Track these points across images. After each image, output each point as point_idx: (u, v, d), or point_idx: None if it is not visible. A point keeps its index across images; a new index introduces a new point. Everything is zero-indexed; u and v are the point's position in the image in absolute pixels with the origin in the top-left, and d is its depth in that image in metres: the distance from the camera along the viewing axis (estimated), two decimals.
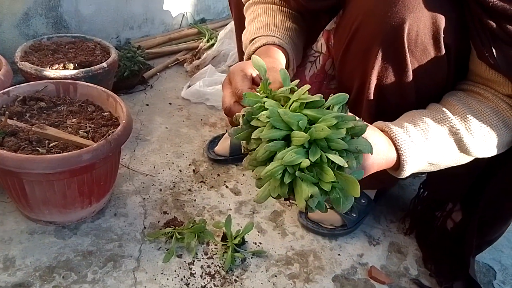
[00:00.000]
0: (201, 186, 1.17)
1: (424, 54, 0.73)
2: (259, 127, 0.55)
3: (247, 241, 1.02)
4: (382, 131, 0.72)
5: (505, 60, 0.69)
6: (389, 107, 0.81)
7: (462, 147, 0.75)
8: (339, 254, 1.03)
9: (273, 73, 0.65)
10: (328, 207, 0.56)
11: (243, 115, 0.57)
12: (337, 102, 0.56)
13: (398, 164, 0.71)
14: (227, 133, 1.29)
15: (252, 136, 0.55)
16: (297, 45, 0.86)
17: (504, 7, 0.65)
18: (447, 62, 0.76)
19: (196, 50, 1.78)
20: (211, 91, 1.53)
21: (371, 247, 1.07)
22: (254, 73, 0.67)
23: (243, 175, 1.23)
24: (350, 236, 1.07)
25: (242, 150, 0.59)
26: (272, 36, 0.81)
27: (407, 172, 0.72)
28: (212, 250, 0.98)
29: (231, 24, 1.75)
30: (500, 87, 0.74)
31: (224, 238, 1.00)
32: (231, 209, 1.11)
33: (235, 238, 0.98)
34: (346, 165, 0.51)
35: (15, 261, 0.89)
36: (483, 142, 0.75)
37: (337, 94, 0.57)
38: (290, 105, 0.57)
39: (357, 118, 0.57)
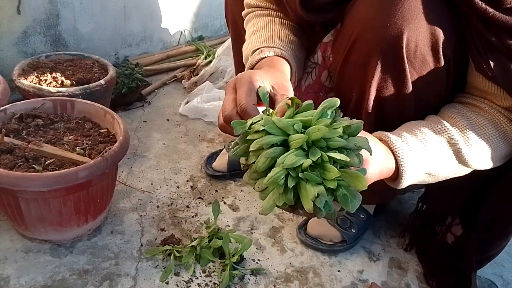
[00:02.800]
0: (199, 202, 1.16)
1: (423, 65, 0.73)
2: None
3: (245, 258, 1.00)
4: (380, 140, 0.72)
5: (503, 72, 0.69)
6: (388, 118, 0.80)
7: (460, 158, 0.74)
8: (339, 271, 1.01)
9: (280, 91, 0.65)
10: (337, 210, 0.53)
11: (239, 135, 0.56)
12: (329, 106, 0.55)
13: (397, 174, 0.71)
14: (225, 149, 1.28)
15: (250, 148, 0.54)
16: (299, 58, 0.86)
17: (504, 19, 0.66)
18: (446, 74, 0.76)
19: (194, 67, 1.80)
20: (209, 107, 1.53)
21: (371, 263, 1.05)
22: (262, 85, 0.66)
23: (241, 190, 1.22)
24: (349, 252, 1.06)
25: (241, 167, 0.58)
26: (275, 47, 0.80)
27: (405, 181, 0.72)
28: (210, 268, 0.97)
29: (229, 41, 1.76)
30: (498, 99, 0.74)
31: (222, 255, 0.98)
32: (229, 226, 1.10)
33: (233, 255, 0.97)
34: (349, 159, 0.51)
35: (10, 280, 0.88)
36: (481, 154, 0.75)
37: (328, 99, 0.56)
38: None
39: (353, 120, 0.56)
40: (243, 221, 1.12)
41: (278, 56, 0.79)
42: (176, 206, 1.13)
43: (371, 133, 0.80)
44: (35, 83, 1.24)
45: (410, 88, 0.75)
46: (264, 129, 0.54)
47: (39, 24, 1.47)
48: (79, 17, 1.56)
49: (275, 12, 0.89)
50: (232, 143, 0.59)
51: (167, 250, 0.97)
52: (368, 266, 1.04)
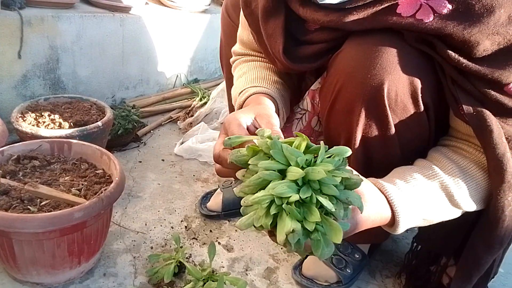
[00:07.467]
0: (193, 242, 1.15)
1: (404, 112, 0.78)
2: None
3: None
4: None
5: (475, 117, 0.73)
6: (375, 160, 0.84)
7: (453, 202, 0.77)
8: None
9: (264, 120, 0.70)
10: (307, 251, 0.54)
11: (248, 146, 0.58)
12: (338, 154, 0.57)
13: (393, 221, 0.73)
14: (219, 189, 1.29)
15: (249, 162, 0.56)
16: (285, 97, 0.91)
17: (477, 68, 0.70)
18: (427, 119, 0.80)
19: (189, 108, 1.84)
20: (204, 147, 1.56)
21: None
22: (249, 122, 0.71)
23: (236, 231, 1.22)
24: None
25: (234, 183, 0.60)
26: (260, 87, 0.87)
27: (401, 228, 0.74)
28: None
29: (223, 84, 1.82)
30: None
31: None
32: (223, 267, 1.09)
33: None
34: (334, 209, 0.52)
35: None
36: (472, 196, 0.78)
37: (340, 146, 0.58)
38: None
39: (354, 172, 0.59)
40: (237, 262, 1.11)
41: (262, 93, 0.85)
42: (170, 247, 1.13)
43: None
44: (33, 125, 1.26)
45: (393, 132, 0.79)
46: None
47: (39, 68, 1.51)
48: (79, 62, 1.61)
49: (260, 58, 0.96)
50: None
51: None
52: None
